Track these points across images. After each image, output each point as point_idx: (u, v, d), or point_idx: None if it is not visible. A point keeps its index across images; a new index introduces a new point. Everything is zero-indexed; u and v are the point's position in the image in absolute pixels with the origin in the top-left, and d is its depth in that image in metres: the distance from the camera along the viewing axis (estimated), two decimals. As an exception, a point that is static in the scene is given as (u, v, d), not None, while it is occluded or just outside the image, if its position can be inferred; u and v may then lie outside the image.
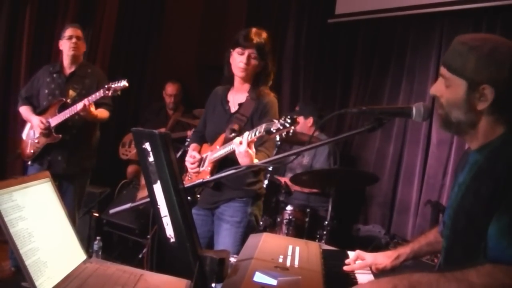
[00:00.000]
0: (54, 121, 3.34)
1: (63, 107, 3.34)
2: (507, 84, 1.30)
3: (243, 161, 2.16)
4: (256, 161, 2.19)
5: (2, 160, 4.38)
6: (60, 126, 3.35)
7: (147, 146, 1.41)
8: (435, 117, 1.48)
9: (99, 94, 3.17)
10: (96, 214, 4.12)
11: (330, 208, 3.40)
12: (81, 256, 1.46)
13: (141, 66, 5.38)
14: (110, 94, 3.15)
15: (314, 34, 4.90)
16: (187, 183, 1.56)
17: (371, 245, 3.58)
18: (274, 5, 5.26)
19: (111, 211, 1.70)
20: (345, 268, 1.67)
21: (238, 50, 2.41)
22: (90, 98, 3.19)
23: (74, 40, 3.43)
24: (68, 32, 3.47)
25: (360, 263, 1.69)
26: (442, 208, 3.40)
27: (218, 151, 2.39)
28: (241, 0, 5.59)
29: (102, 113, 3.42)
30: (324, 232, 3.38)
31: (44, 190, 1.41)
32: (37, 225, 1.28)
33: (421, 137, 3.98)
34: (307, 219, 3.59)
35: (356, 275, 1.63)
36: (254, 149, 2.20)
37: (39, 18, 4.40)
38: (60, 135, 3.35)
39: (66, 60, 3.50)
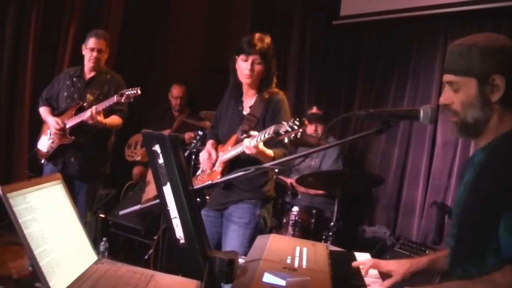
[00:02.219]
0: (70, 123, 3.39)
1: (80, 110, 3.39)
2: None
3: (262, 159, 2.24)
4: (269, 152, 2.28)
5: (8, 161, 4.40)
6: (75, 129, 3.39)
7: (157, 148, 1.42)
8: (440, 118, 1.50)
9: (111, 100, 3.22)
10: (102, 216, 4.15)
11: (335, 210, 3.41)
12: (93, 257, 1.48)
13: (146, 68, 5.41)
14: (123, 100, 3.19)
15: (319, 36, 4.91)
16: (199, 183, 1.58)
17: (376, 246, 3.58)
18: (279, 7, 5.27)
19: (121, 212, 1.72)
20: (353, 264, 1.68)
21: (242, 57, 2.45)
22: (98, 106, 3.24)
23: (95, 54, 3.45)
24: (91, 43, 3.45)
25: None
26: (447, 210, 3.40)
27: (229, 152, 2.43)
28: (246, 3, 5.62)
29: (113, 120, 3.44)
30: (330, 233, 3.39)
31: (56, 192, 1.43)
32: (50, 227, 1.30)
33: (426, 139, 3.98)
34: (312, 220, 3.60)
35: (367, 282, 1.63)
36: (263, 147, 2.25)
37: (45, 19, 4.43)
38: (73, 137, 3.39)
39: (86, 66, 3.54)
